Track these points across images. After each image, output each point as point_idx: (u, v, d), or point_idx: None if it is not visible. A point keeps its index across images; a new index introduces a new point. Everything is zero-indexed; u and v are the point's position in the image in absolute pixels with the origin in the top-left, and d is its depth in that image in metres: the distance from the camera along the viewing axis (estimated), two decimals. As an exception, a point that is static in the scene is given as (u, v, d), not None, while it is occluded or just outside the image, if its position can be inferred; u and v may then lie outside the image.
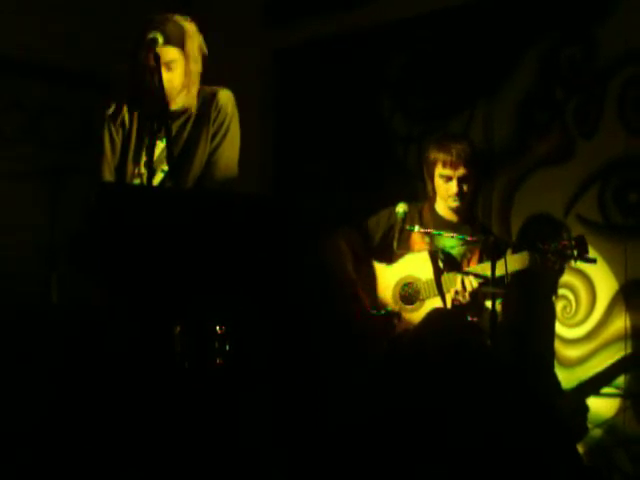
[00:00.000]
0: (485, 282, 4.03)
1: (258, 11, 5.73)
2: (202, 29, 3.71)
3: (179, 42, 3.62)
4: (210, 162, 3.73)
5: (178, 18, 3.65)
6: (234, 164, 3.79)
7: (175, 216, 3.12)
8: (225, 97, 3.77)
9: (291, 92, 5.70)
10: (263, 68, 5.76)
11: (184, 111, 3.72)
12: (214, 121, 3.73)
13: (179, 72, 3.64)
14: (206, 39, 3.72)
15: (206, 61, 3.73)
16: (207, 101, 3.74)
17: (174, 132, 3.69)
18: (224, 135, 3.74)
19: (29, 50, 5.23)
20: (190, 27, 3.67)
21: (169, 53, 3.59)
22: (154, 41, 3.50)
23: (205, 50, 3.72)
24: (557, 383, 4.49)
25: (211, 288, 3.20)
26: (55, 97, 5.41)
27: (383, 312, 4.18)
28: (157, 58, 3.51)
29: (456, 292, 4.10)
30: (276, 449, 3.59)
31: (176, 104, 3.69)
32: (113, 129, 3.72)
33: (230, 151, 3.77)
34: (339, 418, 3.93)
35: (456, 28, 4.99)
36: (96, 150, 3.74)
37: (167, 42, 3.57)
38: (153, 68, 3.52)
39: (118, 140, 3.72)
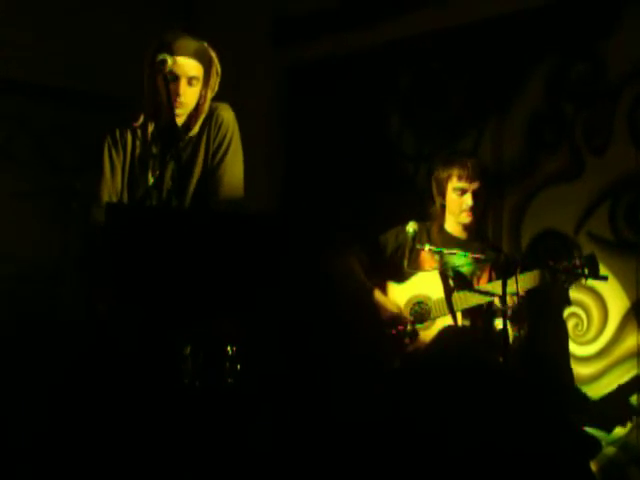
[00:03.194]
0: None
1: (269, 29, 5.75)
2: (212, 48, 3.72)
3: (205, 63, 3.63)
4: (214, 179, 3.71)
5: (206, 44, 3.66)
6: (239, 180, 3.77)
7: (185, 236, 3.13)
8: (225, 113, 3.75)
9: (301, 110, 5.71)
10: (274, 86, 5.77)
11: (187, 134, 3.72)
12: (215, 138, 3.71)
13: (196, 91, 3.64)
14: (217, 57, 3.73)
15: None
16: (207, 117, 3.73)
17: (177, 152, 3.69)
18: (226, 151, 3.72)
19: (36, 72, 5.24)
20: (215, 59, 3.68)
21: (194, 68, 3.59)
22: (163, 62, 3.51)
23: (217, 88, 3.73)
24: (575, 399, 4.47)
25: (221, 307, 3.20)
26: (61, 118, 5.42)
27: (396, 330, 4.18)
28: (166, 80, 3.51)
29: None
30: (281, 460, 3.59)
31: (184, 124, 3.69)
32: (114, 152, 3.71)
33: (234, 166, 3.75)
34: (346, 432, 3.93)
35: (464, 46, 5.01)
36: (96, 174, 3.73)
37: (194, 57, 3.58)
38: (163, 88, 3.54)
39: (119, 164, 3.71)
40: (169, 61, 3.50)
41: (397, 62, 5.28)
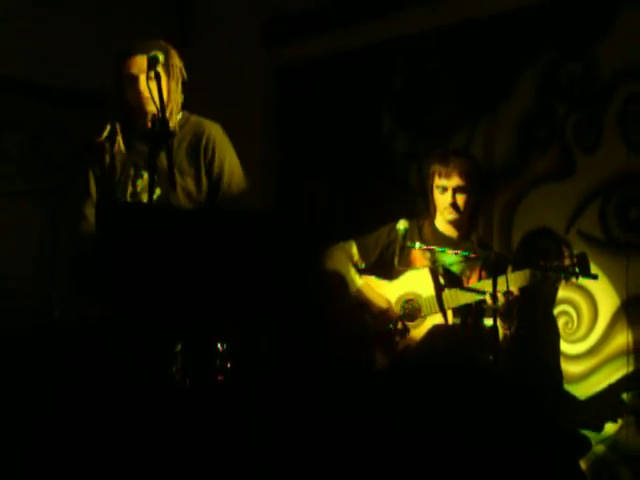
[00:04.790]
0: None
1: (259, 29, 5.74)
2: (204, 48, 3.73)
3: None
4: (220, 195, 3.81)
5: (160, 40, 3.75)
6: (242, 180, 3.87)
7: (177, 234, 3.13)
8: (214, 132, 3.84)
9: (292, 110, 5.70)
10: (264, 86, 5.76)
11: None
12: (210, 160, 3.80)
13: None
14: (207, 58, 3.74)
15: (187, 88, 3.82)
16: (197, 135, 3.82)
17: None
18: (222, 165, 3.81)
19: (29, 70, 5.24)
20: (172, 50, 3.77)
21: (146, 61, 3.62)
22: (155, 59, 3.50)
23: (185, 76, 3.80)
24: (565, 397, 4.48)
25: (213, 305, 3.20)
26: (55, 117, 5.42)
27: (387, 328, 4.18)
28: (158, 77, 3.51)
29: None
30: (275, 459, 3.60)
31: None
32: (93, 164, 3.80)
33: (235, 179, 3.84)
34: (337, 430, 3.93)
35: (456, 45, 5.01)
36: (77, 184, 3.81)
37: (146, 53, 3.60)
38: (153, 86, 3.53)
39: (98, 174, 3.80)
40: (160, 58, 3.51)
41: (389, 61, 5.27)
